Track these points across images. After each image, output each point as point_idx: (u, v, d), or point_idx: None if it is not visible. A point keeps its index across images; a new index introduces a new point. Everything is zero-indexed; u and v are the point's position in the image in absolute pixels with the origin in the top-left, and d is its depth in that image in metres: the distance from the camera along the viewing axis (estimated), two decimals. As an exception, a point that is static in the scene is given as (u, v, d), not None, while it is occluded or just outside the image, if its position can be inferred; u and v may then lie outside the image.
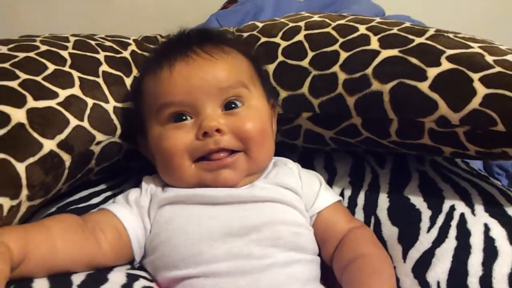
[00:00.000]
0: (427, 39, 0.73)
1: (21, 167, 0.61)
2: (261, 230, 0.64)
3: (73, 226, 0.62)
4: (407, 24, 0.80)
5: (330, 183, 0.83)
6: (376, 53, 0.73)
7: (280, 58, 0.82)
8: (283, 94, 0.80)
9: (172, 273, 0.62)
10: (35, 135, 0.64)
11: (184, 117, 0.69)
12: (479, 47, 0.70)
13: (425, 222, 0.69)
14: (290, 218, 0.68)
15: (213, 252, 0.62)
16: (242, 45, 0.81)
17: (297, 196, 0.71)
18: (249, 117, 0.70)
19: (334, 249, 0.69)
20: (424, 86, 0.67)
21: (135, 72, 0.84)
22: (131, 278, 0.61)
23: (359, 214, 0.77)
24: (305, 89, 0.77)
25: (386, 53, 0.73)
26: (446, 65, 0.68)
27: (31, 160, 0.62)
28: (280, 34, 0.85)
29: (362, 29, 0.79)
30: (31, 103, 0.66)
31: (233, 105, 0.70)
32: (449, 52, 0.69)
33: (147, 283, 0.61)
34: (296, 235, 0.66)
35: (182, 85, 0.68)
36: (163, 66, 0.70)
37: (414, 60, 0.70)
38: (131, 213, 0.67)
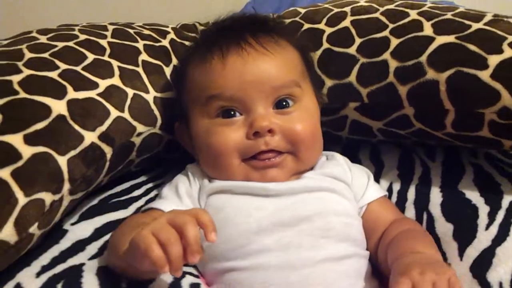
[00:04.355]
0: (485, 24, 0.69)
1: (62, 161, 0.59)
2: (313, 220, 0.62)
3: None
4: (461, 9, 0.76)
5: (378, 176, 0.79)
6: (430, 39, 0.69)
7: (325, 45, 0.78)
8: (328, 83, 0.76)
9: (220, 264, 0.61)
10: (76, 127, 0.63)
11: (233, 113, 0.67)
12: (544, 32, 0.66)
13: (482, 219, 0.66)
14: (341, 208, 0.66)
15: (262, 242, 0.60)
16: (293, 34, 0.78)
17: (346, 186, 0.69)
18: (300, 118, 0.67)
19: (380, 238, 0.67)
20: (484, 75, 0.63)
21: (174, 61, 0.82)
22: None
23: (410, 209, 0.73)
24: (352, 78, 0.74)
25: (441, 40, 0.68)
26: (509, 52, 0.63)
27: (72, 153, 0.61)
28: (325, 20, 0.82)
29: (413, 14, 0.75)
30: (72, 94, 0.65)
31: (284, 103, 0.68)
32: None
33: (194, 280, 0.59)
34: (347, 226, 0.65)
35: (234, 80, 0.66)
36: (214, 55, 0.68)
37: (473, 47, 0.65)
38: (181, 207, 0.65)
